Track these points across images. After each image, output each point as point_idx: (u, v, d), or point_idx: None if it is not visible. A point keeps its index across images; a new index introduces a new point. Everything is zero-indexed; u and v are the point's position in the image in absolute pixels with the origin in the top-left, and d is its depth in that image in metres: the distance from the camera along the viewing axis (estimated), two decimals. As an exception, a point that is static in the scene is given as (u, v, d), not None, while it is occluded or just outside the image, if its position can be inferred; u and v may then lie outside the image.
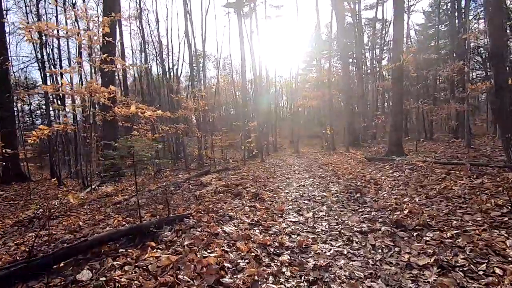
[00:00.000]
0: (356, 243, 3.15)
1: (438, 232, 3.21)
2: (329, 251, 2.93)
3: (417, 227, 3.41)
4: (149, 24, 38.55)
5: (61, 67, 20.18)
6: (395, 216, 3.78)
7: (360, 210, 4.28)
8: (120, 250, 2.93)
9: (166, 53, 31.13)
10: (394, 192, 4.88)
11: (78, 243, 2.87)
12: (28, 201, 7.24)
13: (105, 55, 6.51)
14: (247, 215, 4.07)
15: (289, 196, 5.27)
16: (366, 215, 3.98)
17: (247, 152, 17.07)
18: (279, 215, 4.16)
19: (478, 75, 24.93)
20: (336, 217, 4.04)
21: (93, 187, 8.45)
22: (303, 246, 3.07)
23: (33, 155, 18.93)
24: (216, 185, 5.95)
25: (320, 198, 5.06)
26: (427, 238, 3.10)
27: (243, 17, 21.39)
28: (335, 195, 5.16)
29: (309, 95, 19.16)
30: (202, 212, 4.18)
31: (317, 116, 38.81)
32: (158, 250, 2.87)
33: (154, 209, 4.61)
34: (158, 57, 31.12)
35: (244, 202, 4.77)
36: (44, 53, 15.35)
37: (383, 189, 5.14)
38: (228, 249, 2.86)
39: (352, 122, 17.59)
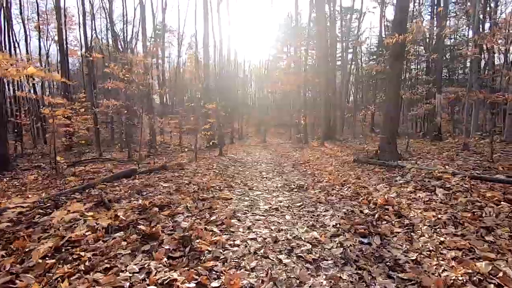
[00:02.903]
0: None
1: None
2: None
3: None
4: (97, -19, 32.84)
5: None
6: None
7: (400, 293, 1.96)
8: None
9: (122, 22, 26.61)
10: (442, 239, 2.65)
11: None
12: None
13: None
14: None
15: (251, 239, 2.79)
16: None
17: (205, 141, 14.34)
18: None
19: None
20: (357, 324, 1.67)
21: None
22: None
23: None
24: (121, 209, 3.28)
25: (309, 246, 2.66)
26: None
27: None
28: (334, 238, 2.81)
29: (282, 79, 16.76)
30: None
31: (286, 105, 37.17)
32: None
33: None
34: (109, 24, 26.48)
35: (154, 264, 2.20)
36: None
37: (418, 228, 2.90)
38: None
39: (328, 113, 15.62)
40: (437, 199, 3.54)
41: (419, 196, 3.70)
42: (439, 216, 3.09)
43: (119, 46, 25.76)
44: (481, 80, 12.14)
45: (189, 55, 36.90)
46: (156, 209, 3.36)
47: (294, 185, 5.28)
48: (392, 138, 7.61)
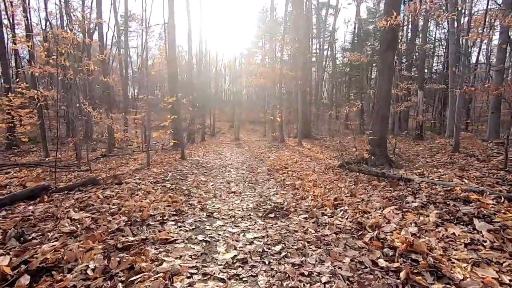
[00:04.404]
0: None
1: None
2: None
3: None
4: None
5: None
6: None
7: None
8: None
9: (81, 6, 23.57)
10: None
11: None
12: None
13: None
14: None
15: None
16: None
17: (170, 139, 12.61)
18: None
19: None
20: None
21: None
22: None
23: None
24: None
25: None
26: None
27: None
28: None
29: (257, 72, 15.41)
30: None
31: (261, 100, 36.14)
32: None
33: None
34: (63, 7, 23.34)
35: None
36: None
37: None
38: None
39: (306, 110, 14.55)
40: (484, 241, 2.38)
41: (454, 234, 2.52)
42: (505, 279, 1.91)
43: (77, 33, 22.77)
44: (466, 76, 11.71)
45: (160, 48, 34.37)
46: (26, 280, 1.85)
47: (270, 205, 3.96)
48: (383, 140, 6.58)
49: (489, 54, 22.42)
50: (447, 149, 8.39)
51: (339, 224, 3.05)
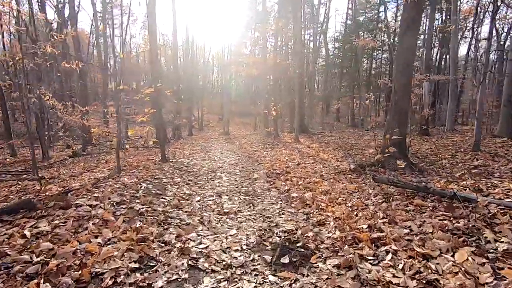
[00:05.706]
0: None
1: None
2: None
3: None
4: None
5: None
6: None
7: None
8: None
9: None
10: None
11: None
12: None
13: None
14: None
15: None
16: None
17: (152, 137, 11.25)
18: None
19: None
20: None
21: None
22: None
23: None
24: None
25: None
26: None
27: None
28: None
29: (248, 61, 14.13)
30: None
31: (250, 92, 34.85)
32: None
33: None
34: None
35: None
36: None
37: None
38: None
39: (302, 102, 13.43)
40: None
41: None
42: None
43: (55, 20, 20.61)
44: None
45: (143, 36, 32.41)
46: None
47: (279, 236, 2.85)
48: (402, 139, 5.55)
49: (477, 47, 21.77)
50: (465, 147, 7.49)
51: (395, 283, 1.96)
